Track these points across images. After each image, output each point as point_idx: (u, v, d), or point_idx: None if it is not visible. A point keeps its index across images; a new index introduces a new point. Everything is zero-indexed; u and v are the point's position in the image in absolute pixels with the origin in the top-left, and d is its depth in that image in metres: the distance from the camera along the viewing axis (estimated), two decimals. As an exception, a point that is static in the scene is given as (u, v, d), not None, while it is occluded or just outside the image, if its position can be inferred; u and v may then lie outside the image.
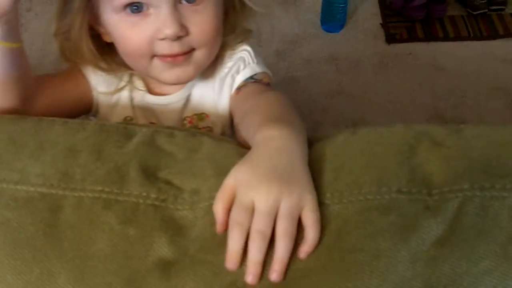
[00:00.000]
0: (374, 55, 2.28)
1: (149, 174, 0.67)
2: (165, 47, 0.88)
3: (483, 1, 2.36)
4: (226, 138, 0.77)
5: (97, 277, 0.61)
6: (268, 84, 0.97)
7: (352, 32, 2.37)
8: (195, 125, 0.98)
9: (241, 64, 0.98)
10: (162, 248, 0.62)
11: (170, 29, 0.85)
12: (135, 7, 0.85)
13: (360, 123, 2.04)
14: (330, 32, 2.35)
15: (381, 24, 2.38)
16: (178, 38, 0.86)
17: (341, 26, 2.36)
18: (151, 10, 0.85)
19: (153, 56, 0.89)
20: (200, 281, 0.60)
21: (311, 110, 2.10)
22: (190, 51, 0.90)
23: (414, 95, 2.15)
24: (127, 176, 0.67)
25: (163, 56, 0.89)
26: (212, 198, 0.64)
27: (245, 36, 1.00)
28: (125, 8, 0.85)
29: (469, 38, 2.33)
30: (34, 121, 0.75)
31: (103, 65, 0.97)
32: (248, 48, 0.99)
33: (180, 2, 0.86)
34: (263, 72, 0.99)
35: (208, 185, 0.66)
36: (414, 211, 0.61)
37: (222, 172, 0.65)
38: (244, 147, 0.73)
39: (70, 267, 0.62)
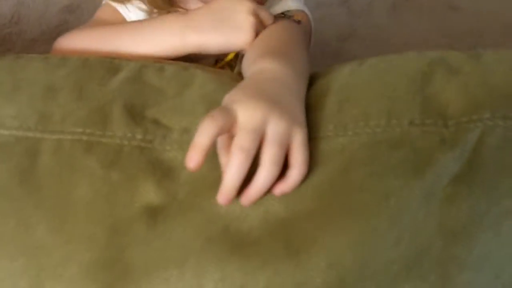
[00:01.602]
0: (387, -4, 2.18)
1: (135, 113, 0.61)
2: None
3: None
4: (222, 71, 0.71)
5: (79, 226, 0.55)
6: (298, 22, 0.88)
7: (364, -28, 2.27)
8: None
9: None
10: (149, 193, 0.55)
11: None
12: None
13: (373, 67, 1.97)
14: (341, -28, 2.25)
15: (394, -37, 2.27)
16: None
17: (352, -33, 2.26)
18: None
19: None
20: (190, 227, 0.54)
21: (323, 54, 2.02)
22: None
23: (429, 37, 2.06)
24: (110, 116, 0.60)
25: None
26: (204, 136, 0.57)
27: None
28: None
29: (487, -25, 2.22)
30: (11, 59, 0.68)
31: (156, 1, 0.89)
32: None
33: None
34: (297, 10, 0.91)
35: (199, 123, 0.59)
36: (429, 145, 0.54)
37: (214, 109, 0.59)
38: (240, 79, 0.66)
39: (49, 216, 0.56)
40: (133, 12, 0.91)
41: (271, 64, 0.61)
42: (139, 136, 0.59)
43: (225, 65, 0.85)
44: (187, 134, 0.59)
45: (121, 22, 0.91)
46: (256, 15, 0.78)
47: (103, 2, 0.95)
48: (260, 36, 0.76)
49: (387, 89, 0.58)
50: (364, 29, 2.10)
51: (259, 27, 0.78)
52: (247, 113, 0.53)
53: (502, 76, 0.58)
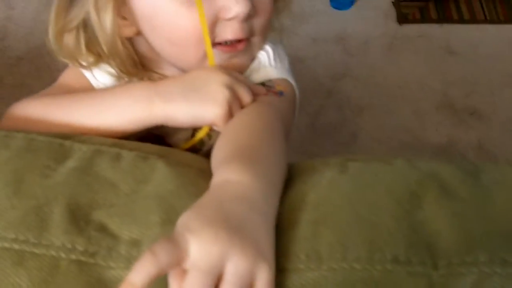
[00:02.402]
0: (384, 36, 2.13)
1: (79, 217, 0.52)
2: (228, 31, 0.72)
3: (502, -18, 2.20)
4: (190, 160, 0.62)
5: None
6: (280, 94, 0.79)
7: (362, 10, 2.21)
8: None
9: (256, 65, 0.82)
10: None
11: (242, 6, 0.69)
12: None
13: (366, 108, 1.91)
14: (339, 9, 2.19)
15: (392, 2, 2.21)
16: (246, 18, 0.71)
17: (351, 3, 2.20)
18: None
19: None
20: None
21: (315, 93, 1.96)
22: (249, 38, 0.75)
23: (424, 81, 2.01)
24: (49, 219, 0.52)
25: (222, 45, 0.74)
26: (154, 255, 0.49)
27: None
28: None
29: (485, 21, 2.17)
30: None
31: (122, 64, 0.79)
32: (268, 49, 0.82)
33: None
34: (280, 79, 0.82)
35: (151, 235, 0.51)
36: (414, 290, 0.46)
37: (170, 220, 0.51)
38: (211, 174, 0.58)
39: None
40: (100, 78, 0.82)
41: (238, 175, 0.52)
42: (80, 248, 0.50)
43: (197, 143, 0.77)
44: (136, 249, 0.50)
45: (87, 89, 0.82)
46: (233, 90, 0.69)
47: (69, 65, 0.85)
48: (230, 128, 0.68)
49: (369, 212, 0.50)
50: (358, 68, 2.03)
51: (234, 104, 0.69)
52: (202, 248, 0.44)
53: (503, 206, 0.50)
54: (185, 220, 0.47)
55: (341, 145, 1.84)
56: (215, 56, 0.74)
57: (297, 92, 0.84)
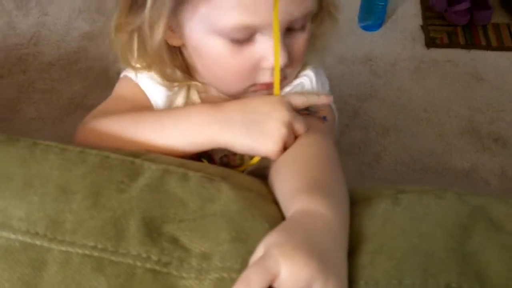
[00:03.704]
0: (412, 59, 2.16)
1: (152, 229, 0.57)
2: (266, 77, 0.78)
3: (531, 10, 2.23)
4: (251, 185, 0.66)
5: None
6: (324, 119, 0.84)
7: (390, 32, 2.24)
8: None
9: (299, 90, 0.87)
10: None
11: (281, 60, 0.75)
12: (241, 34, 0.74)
13: (391, 130, 1.94)
14: (367, 30, 2.23)
15: (421, 26, 2.25)
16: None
17: (379, 25, 2.23)
18: (258, 37, 0.74)
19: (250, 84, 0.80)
20: None
21: (341, 112, 1.98)
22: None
23: (450, 105, 2.04)
24: (126, 230, 0.56)
25: (260, 84, 0.80)
26: (224, 269, 0.53)
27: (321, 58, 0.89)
28: (229, 33, 0.74)
29: (512, 48, 2.19)
30: (25, 147, 0.64)
31: (168, 72, 0.84)
32: (311, 73, 0.87)
33: (292, 29, 0.76)
34: (321, 104, 0.85)
35: (221, 251, 0.55)
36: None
37: (239, 238, 0.55)
38: (270, 197, 0.63)
39: None
40: (152, 87, 0.86)
41: (319, 207, 0.57)
42: (154, 258, 0.55)
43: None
44: (207, 262, 0.55)
45: (142, 99, 0.86)
46: (290, 126, 0.74)
47: (121, 76, 0.90)
48: (297, 154, 0.72)
49: (423, 242, 0.54)
50: (384, 90, 2.07)
51: (289, 140, 0.74)
52: (293, 271, 0.49)
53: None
54: (275, 242, 0.51)
55: (365, 165, 1.87)
56: (250, 91, 0.80)
57: (336, 115, 0.89)
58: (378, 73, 2.12)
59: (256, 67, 0.77)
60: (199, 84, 0.86)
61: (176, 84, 0.85)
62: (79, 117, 0.84)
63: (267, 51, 0.75)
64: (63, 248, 0.55)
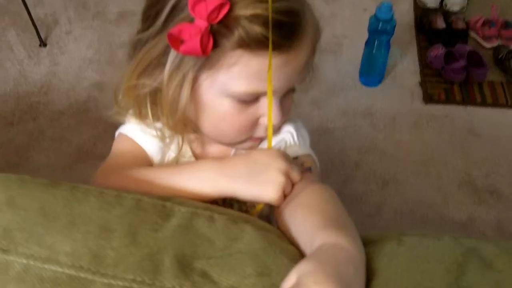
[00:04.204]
0: (410, 114, 2.25)
1: (185, 264, 0.63)
2: (261, 131, 0.89)
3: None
4: (268, 227, 0.73)
5: None
6: (309, 169, 0.93)
7: (389, 88, 2.34)
8: None
9: (283, 145, 0.96)
10: None
11: (277, 119, 0.85)
12: (248, 97, 0.83)
13: (391, 182, 2.01)
14: (368, 85, 2.32)
15: (419, 82, 2.34)
16: None
17: (379, 81, 2.33)
18: (262, 98, 0.84)
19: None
20: None
21: (343, 164, 2.07)
22: None
23: (448, 159, 2.11)
24: (161, 265, 0.63)
25: (255, 138, 0.91)
26: (250, 301, 0.60)
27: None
28: (239, 96, 0.82)
29: (506, 105, 2.29)
30: (67, 190, 0.71)
31: (176, 127, 0.91)
32: (291, 129, 0.97)
33: (289, 92, 0.86)
34: (305, 155, 0.96)
35: (248, 284, 0.61)
36: None
37: (263, 272, 0.61)
38: (285, 238, 0.69)
39: None
40: (146, 140, 0.95)
41: (343, 241, 0.64)
42: (187, 290, 0.61)
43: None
44: (234, 294, 0.61)
45: (139, 151, 0.95)
46: (287, 174, 0.83)
47: (116, 134, 0.99)
48: (309, 197, 0.79)
49: (424, 278, 0.61)
50: (385, 143, 2.15)
51: (287, 187, 0.83)
52: None
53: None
54: (308, 270, 0.58)
55: (366, 216, 1.93)
56: (245, 142, 0.91)
57: (318, 166, 0.97)
58: (378, 126, 2.20)
59: (255, 123, 0.87)
60: (191, 136, 0.95)
61: (167, 135, 0.93)
62: (88, 165, 0.91)
63: (267, 110, 0.84)
64: (105, 281, 0.61)
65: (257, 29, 0.75)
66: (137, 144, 0.95)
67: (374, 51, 2.22)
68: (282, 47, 0.77)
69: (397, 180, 2.03)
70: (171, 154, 0.96)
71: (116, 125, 1.00)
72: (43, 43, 2.50)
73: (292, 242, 0.72)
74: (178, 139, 0.94)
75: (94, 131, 2.16)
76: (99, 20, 2.63)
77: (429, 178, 2.05)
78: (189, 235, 0.67)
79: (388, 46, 2.21)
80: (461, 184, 2.04)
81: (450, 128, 2.21)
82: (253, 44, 0.76)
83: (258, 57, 0.77)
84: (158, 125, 0.92)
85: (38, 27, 2.48)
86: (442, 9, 2.63)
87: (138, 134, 0.95)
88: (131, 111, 0.94)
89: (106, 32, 2.56)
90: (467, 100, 2.29)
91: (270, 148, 0.86)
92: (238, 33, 0.76)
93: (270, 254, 0.64)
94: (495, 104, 2.28)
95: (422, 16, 2.58)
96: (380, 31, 2.16)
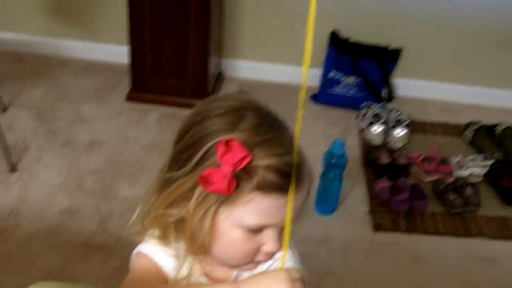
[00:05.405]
0: (362, 241, 2.44)
1: None
2: (262, 257, 1.03)
3: (459, 202, 2.59)
4: None
5: None
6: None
7: (342, 217, 2.55)
8: None
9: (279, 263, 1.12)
10: None
11: (276, 247, 0.99)
12: (257, 228, 0.98)
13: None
14: (323, 214, 2.52)
15: (368, 212, 2.56)
16: None
17: (333, 210, 2.54)
18: (266, 229, 0.99)
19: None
20: None
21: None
22: None
23: (397, 284, 2.29)
24: None
25: (256, 262, 1.05)
26: None
27: None
28: (249, 227, 0.97)
29: (446, 234, 2.52)
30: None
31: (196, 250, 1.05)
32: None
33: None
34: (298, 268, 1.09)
35: None
36: None
37: None
38: None
39: None
40: (165, 259, 1.09)
41: None
42: None
43: None
44: None
45: (157, 270, 1.09)
46: None
47: (134, 253, 1.12)
48: None
49: None
50: (340, 268, 2.32)
51: None
52: None
53: None
54: None
55: None
56: (248, 265, 1.05)
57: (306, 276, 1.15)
58: (333, 253, 2.38)
59: (258, 250, 1.02)
60: (202, 256, 1.10)
61: (182, 255, 1.09)
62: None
63: (270, 239, 1.00)
64: None
65: (270, 176, 0.93)
66: (155, 262, 1.09)
67: (328, 183, 2.44)
68: (289, 190, 0.94)
69: (354, 304, 2.19)
70: (184, 271, 1.10)
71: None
72: (13, 169, 2.58)
73: None
74: (191, 258, 1.09)
75: (63, 255, 2.23)
76: (69, 147, 2.76)
77: (383, 303, 2.22)
78: None
79: (341, 178, 2.44)
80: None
81: (397, 255, 2.41)
82: (266, 187, 0.94)
83: (269, 197, 0.94)
84: (175, 245, 1.07)
85: (8, 153, 2.57)
86: (386, 146, 2.90)
87: (158, 254, 1.09)
88: (149, 232, 1.09)
89: (76, 159, 2.69)
90: (412, 229, 2.51)
91: (282, 268, 0.98)
92: (256, 179, 0.93)
93: None
94: (437, 232, 2.51)
95: (368, 152, 2.84)
96: (333, 165, 2.40)
